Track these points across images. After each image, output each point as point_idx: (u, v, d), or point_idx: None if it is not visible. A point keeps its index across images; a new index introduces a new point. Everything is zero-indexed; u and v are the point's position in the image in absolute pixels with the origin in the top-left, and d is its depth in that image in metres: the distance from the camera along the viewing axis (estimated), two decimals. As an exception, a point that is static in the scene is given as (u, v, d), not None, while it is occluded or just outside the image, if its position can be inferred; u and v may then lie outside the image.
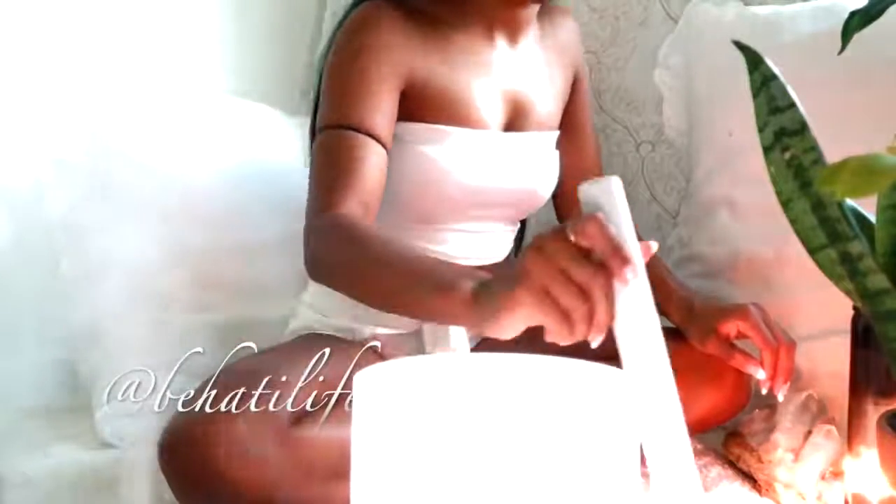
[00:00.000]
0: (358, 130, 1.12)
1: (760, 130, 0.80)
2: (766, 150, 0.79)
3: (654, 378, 0.67)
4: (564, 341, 0.74)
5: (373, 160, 1.11)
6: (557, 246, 0.73)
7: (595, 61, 1.71)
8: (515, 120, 1.29)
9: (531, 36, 1.32)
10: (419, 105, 1.20)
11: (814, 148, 0.77)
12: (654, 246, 0.76)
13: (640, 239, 0.73)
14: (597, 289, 0.71)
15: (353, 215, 1.06)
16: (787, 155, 0.77)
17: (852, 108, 1.28)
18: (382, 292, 0.99)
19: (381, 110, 1.14)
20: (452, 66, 1.22)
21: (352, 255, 1.01)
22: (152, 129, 1.49)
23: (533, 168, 1.31)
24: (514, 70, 1.28)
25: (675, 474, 0.67)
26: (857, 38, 1.11)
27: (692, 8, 1.57)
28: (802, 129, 0.77)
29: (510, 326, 0.79)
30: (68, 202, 1.42)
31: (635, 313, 0.69)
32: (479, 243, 1.30)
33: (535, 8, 1.26)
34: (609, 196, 0.71)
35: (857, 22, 1.11)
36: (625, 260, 0.71)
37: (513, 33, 1.28)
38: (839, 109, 1.24)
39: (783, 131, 0.78)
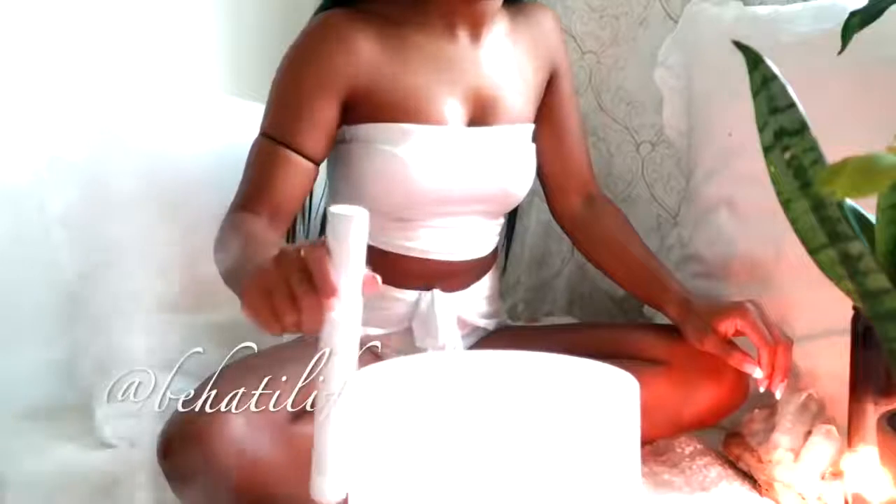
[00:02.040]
0: (284, 145, 1.20)
1: (760, 130, 0.80)
2: (766, 150, 0.79)
3: (337, 379, 0.77)
4: (270, 333, 0.85)
5: (291, 174, 1.20)
6: (290, 259, 0.82)
7: (595, 61, 1.71)
8: (481, 115, 1.29)
9: (498, 30, 1.32)
10: (375, 107, 1.23)
11: (814, 148, 0.77)
12: (378, 280, 0.81)
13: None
14: (305, 304, 0.79)
15: (253, 217, 1.17)
16: (787, 155, 0.77)
17: (852, 108, 1.28)
18: (223, 275, 1.08)
19: (312, 125, 1.21)
20: (408, 65, 1.24)
21: (226, 246, 1.12)
22: (151, 128, 1.49)
23: (503, 162, 1.30)
24: (478, 65, 1.29)
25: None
26: (857, 38, 1.11)
27: (692, 8, 1.57)
28: (802, 129, 0.78)
29: (246, 317, 0.87)
30: (67, 201, 1.43)
31: (338, 334, 0.77)
32: (455, 239, 1.30)
33: (498, 1, 1.27)
34: (340, 229, 0.77)
35: (857, 22, 1.11)
36: (330, 291, 0.77)
37: (475, 28, 1.29)
38: (839, 109, 1.24)
39: (783, 131, 0.78)
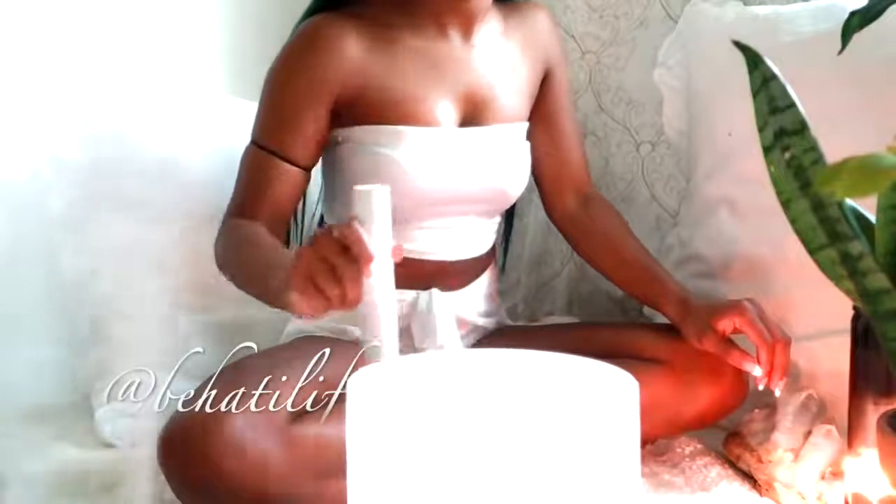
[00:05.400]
0: (275, 154, 1.22)
1: (760, 130, 0.80)
2: (766, 150, 0.79)
3: (386, 338, 0.89)
4: (318, 314, 0.96)
5: (282, 183, 1.23)
6: (323, 241, 0.91)
7: (595, 61, 1.71)
8: (474, 114, 1.29)
9: (490, 29, 1.32)
10: (365, 110, 1.23)
11: (814, 148, 0.77)
12: (402, 248, 0.93)
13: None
14: (347, 275, 0.90)
15: (251, 222, 1.20)
16: (787, 155, 0.78)
17: (852, 108, 1.28)
18: (240, 281, 1.17)
19: (301, 135, 1.22)
20: (397, 67, 1.24)
21: (233, 252, 1.19)
22: (151, 128, 1.49)
23: (497, 161, 1.30)
24: (471, 64, 1.29)
25: None
26: (857, 38, 1.12)
27: (692, 8, 1.57)
28: (802, 129, 0.78)
29: (294, 304, 0.96)
30: (67, 200, 1.42)
31: (377, 294, 0.90)
32: (451, 239, 1.30)
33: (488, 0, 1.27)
34: (367, 204, 0.89)
35: (856, 22, 1.11)
36: (368, 257, 0.88)
37: (466, 27, 1.28)
38: (839, 109, 1.24)
39: (783, 131, 0.78)
